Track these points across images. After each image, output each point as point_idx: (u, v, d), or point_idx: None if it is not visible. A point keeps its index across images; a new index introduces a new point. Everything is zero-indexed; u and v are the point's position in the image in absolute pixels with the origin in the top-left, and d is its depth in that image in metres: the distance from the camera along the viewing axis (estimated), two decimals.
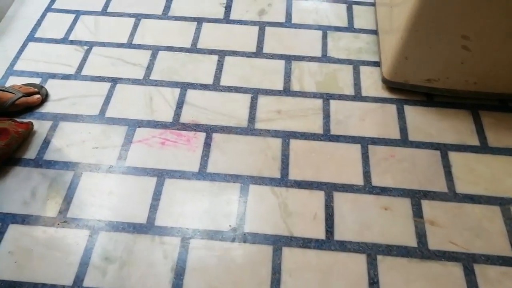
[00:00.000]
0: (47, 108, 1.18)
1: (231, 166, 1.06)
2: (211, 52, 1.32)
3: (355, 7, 1.47)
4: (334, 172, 1.05)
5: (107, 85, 1.23)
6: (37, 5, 1.45)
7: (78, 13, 1.43)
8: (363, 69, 1.29)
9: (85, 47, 1.33)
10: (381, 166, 1.06)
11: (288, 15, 1.44)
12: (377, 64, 1.30)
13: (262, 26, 1.40)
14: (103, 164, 1.06)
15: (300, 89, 1.23)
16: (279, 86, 1.24)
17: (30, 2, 1.46)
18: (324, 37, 1.37)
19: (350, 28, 1.40)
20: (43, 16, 1.42)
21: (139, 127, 1.14)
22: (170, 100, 1.20)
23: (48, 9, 1.44)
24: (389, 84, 1.21)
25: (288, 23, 1.41)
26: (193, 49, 1.33)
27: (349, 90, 1.23)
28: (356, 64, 1.30)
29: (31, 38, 1.35)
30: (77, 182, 1.02)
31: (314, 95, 1.22)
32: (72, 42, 1.34)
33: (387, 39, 1.22)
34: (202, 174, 1.05)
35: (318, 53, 1.33)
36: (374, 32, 1.39)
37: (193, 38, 1.36)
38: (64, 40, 1.35)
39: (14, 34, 1.36)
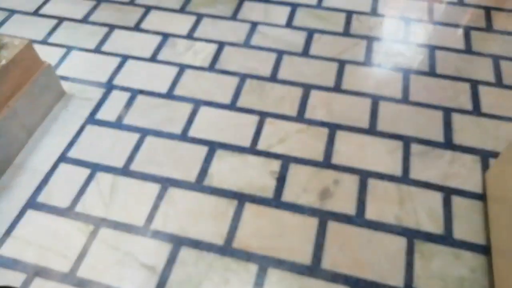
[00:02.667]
0: None
1: None
2: (249, 257, 0.97)
3: (455, 199, 1.06)
4: None
5: None
6: (50, 151, 1.20)
7: (95, 168, 1.15)
8: None
9: (91, 227, 1.03)
10: None
11: (361, 203, 1.06)
12: None
13: (323, 218, 1.03)
14: None
15: None
16: None
17: (43, 147, 1.21)
18: (410, 251, 0.97)
19: (447, 237, 0.99)
20: (54, 167, 1.16)
21: None
22: None
23: (62, 158, 1.18)
24: None
25: (359, 218, 1.03)
26: (227, 248, 0.99)
27: None
28: None
29: (31, 203, 1.09)
30: None
31: None
32: (77, 216, 1.05)
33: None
34: None
35: (399, 280, 0.93)
36: (484, 250, 0.97)
37: (229, 229, 1.02)
38: (69, 212, 1.06)
39: (13, 194, 1.11)
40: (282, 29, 1.55)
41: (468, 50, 1.45)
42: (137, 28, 1.57)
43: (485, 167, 1.12)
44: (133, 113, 1.29)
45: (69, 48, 1.50)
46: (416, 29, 1.53)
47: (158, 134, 1.23)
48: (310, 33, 1.53)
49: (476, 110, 1.26)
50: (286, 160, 1.16)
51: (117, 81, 1.39)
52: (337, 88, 1.34)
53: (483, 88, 1.32)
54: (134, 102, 1.32)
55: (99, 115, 1.29)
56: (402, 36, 1.50)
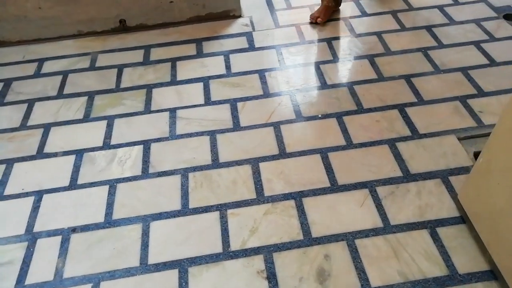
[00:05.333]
0: None
1: None
2: None
3: (441, 231, 1.06)
4: None
5: None
6: None
7: None
8: None
9: None
10: None
11: (361, 272, 1.00)
12: None
13: None
14: None
15: None
16: None
17: None
18: None
19: (454, 276, 0.97)
20: None
21: None
22: None
23: None
24: None
25: None
26: None
27: None
28: None
29: None
30: None
31: None
32: None
33: None
34: None
35: None
36: (492, 275, 0.96)
37: None
38: None
39: None
40: (203, 107, 1.48)
41: (381, 77, 1.53)
42: (41, 154, 1.35)
43: (449, 187, 1.15)
44: (72, 260, 1.07)
45: None
46: (328, 71, 1.57)
47: (113, 275, 1.03)
48: (233, 104, 1.48)
49: (415, 133, 1.31)
50: (268, 252, 1.05)
51: (38, 226, 1.15)
52: (282, 153, 1.29)
53: (410, 109, 1.39)
54: (70, 246, 1.10)
55: (30, 279, 1.04)
56: (318, 81, 1.53)
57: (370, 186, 1.17)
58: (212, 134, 1.37)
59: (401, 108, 1.40)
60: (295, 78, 1.56)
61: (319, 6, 1.85)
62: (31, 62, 1.75)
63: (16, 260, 1.08)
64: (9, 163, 1.33)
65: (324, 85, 1.51)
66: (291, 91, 1.50)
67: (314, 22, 1.81)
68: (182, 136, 1.37)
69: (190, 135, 1.37)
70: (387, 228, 1.07)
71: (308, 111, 1.42)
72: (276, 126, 1.38)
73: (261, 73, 1.60)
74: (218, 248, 1.07)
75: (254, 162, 1.27)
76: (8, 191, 1.25)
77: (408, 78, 1.51)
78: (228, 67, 1.64)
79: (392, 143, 1.28)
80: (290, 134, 1.34)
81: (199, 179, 1.24)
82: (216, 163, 1.27)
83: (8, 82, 1.66)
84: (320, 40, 1.73)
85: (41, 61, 1.76)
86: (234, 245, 1.07)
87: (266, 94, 1.51)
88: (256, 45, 1.75)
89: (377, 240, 1.05)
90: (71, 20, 1.83)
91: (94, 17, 1.83)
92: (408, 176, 1.19)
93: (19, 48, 1.83)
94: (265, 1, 2.02)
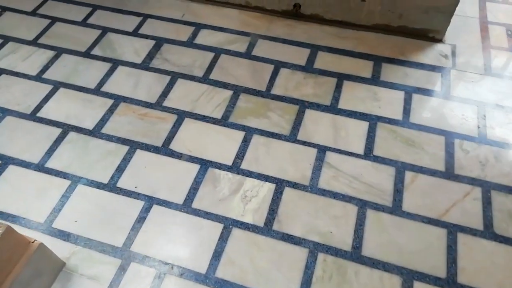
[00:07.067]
0: None
1: None
2: None
3: None
4: None
5: None
6: None
7: None
8: None
9: None
10: None
11: None
12: None
13: None
14: None
15: None
16: None
17: None
18: None
19: None
20: None
21: None
22: None
23: None
24: None
25: None
26: None
27: None
28: None
29: None
30: None
31: None
32: None
33: None
34: None
35: None
36: None
37: None
38: None
39: None
40: (359, 161, 1.15)
41: None
42: (165, 149, 1.19)
43: None
44: None
45: (74, 182, 1.12)
46: None
47: None
48: (400, 170, 1.12)
49: None
50: None
51: (137, 245, 1.00)
52: (450, 280, 0.93)
53: None
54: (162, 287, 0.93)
55: None
56: None
57: None
58: (362, 205, 1.05)
59: None
60: (499, 162, 1.13)
61: None
62: (187, 25, 1.58)
63: (103, 279, 0.95)
64: (133, 146, 1.20)
65: None
66: (487, 182, 1.08)
67: None
68: (324, 192, 1.08)
69: (334, 195, 1.07)
70: None
71: (506, 228, 1.00)
72: (452, 231, 1.00)
73: (450, 138, 1.19)
74: None
75: (408, 276, 0.93)
76: (121, 183, 1.12)
77: None
78: (406, 111, 1.26)
79: None
80: (469, 253, 0.96)
81: (329, 267, 0.95)
82: (356, 254, 0.97)
83: (159, 42, 1.51)
84: None
85: (198, 27, 1.57)
86: None
87: (449, 173, 1.11)
88: (452, 92, 1.31)
89: None
90: None
91: None
92: None
93: (181, 4, 1.66)
94: (479, 27, 1.53)
